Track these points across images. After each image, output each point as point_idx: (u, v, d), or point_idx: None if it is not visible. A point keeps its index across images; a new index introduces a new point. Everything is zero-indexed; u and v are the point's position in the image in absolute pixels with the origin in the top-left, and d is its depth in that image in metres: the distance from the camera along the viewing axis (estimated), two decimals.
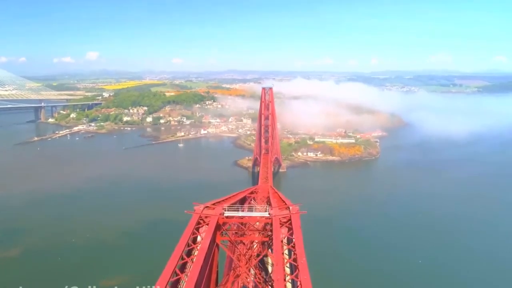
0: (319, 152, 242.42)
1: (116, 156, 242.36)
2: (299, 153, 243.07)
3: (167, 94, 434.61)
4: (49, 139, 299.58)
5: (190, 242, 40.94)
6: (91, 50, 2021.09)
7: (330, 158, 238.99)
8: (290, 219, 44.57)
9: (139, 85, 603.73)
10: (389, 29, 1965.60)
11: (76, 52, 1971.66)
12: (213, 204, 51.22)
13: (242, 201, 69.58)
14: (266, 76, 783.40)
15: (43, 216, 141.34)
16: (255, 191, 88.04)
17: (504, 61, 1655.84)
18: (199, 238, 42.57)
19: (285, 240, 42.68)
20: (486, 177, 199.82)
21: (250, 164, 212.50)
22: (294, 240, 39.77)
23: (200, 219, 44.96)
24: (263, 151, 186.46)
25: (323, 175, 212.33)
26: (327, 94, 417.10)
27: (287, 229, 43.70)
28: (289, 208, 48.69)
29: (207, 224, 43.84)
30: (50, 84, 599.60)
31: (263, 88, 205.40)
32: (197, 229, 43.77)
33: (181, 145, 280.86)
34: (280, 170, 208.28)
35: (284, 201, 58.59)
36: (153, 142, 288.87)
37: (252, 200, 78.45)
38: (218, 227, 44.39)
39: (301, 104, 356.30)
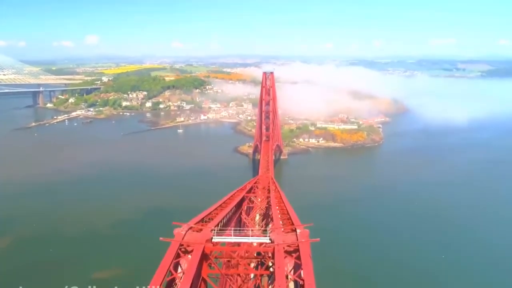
0: (321, 139, 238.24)
1: (114, 142, 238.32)
2: (301, 139, 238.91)
3: (167, 78, 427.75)
4: (47, 124, 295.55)
5: (166, 281, 31.31)
6: (91, 34, 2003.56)
7: (332, 144, 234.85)
8: (297, 248, 34.08)
9: (139, 70, 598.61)
10: (391, 14, 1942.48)
11: (76, 36, 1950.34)
12: (201, 221, 42.46)
13: (240, 203, 64.29)
14: (267, 61, 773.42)
15: (37, 204, 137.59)
16: (255, 186, 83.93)
17: (507, 45, 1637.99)
18: (179, 272, 33.02)
19: (290, 276, 33.06)
20: (492, 164, 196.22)
21: (250, 150, 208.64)
22: (303, 283, 30.18)
23: (181, 247, 34.76)
24: (263, 138, 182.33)
25: (326, 163, 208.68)
26: (327, 79, 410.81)
27: (293, 262, 33.68)
28: (295, 230, 37.76)
29: (191, 254, 34.13)
30: (49, 68, 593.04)
31: (264, 73, 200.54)
32: (177, 263, 33.52)
33: (180, 130, 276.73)
34: (282, 157, 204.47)
35: (288, 213, 50.14)
36: (152, 128, 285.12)
37: (252, 197, 74.23)
38: (204, 256, 34.73)
39: (299, 89, 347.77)
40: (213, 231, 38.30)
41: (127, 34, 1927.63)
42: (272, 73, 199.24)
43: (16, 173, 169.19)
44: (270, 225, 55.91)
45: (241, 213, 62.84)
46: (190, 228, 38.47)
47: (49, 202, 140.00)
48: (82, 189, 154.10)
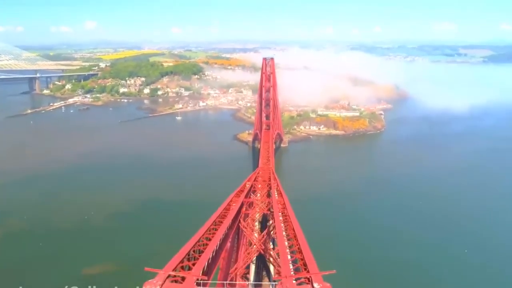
0: (322, 126, 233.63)
1: (111, 130, 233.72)
2: (301, 127, 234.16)
3: (165, 64, 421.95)
4: (43, 111, 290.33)
5: None
6: (89, 19, 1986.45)
7: (334, 132, 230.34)
8: None
9: (137, 55, 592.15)
10: None
11: (74, 21, 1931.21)
12: (187, 256, 34.25)
13: (239, 211, 59.14)
14: (267, 46, 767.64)
15: (29, 195, 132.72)
16: (255, 184, 79.46)
17: (509, 30, 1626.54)
18: None
19: None
20: (497, 153, 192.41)
21: (250, 138, 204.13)
22: None
23: None
24: (264, 127, 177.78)
25: (327, 151, 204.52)
26: (326, 64, 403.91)
27: None
28: (311, 283, 28.47)
29: None
30: (47, 54, 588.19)
31: (264, 59, 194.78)
32: None
33: (179, 118, 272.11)
34: (282, 145, 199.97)
35: (297, 238, 42.03)
36: (150, 115, 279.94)
37: (252, 195, 69.91)
38: None
39: (297, 76, 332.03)
40: (199, 280, 29.79)
41: (126, 19, 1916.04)
42: (272, 59, 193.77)
43: (9, 163, 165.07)
44: (272, 233, 51.14)
45: (239, 221, 58.16)
46: (168, 277, 29.34)
47: (42, 193, 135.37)
48: (77, 179, 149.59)
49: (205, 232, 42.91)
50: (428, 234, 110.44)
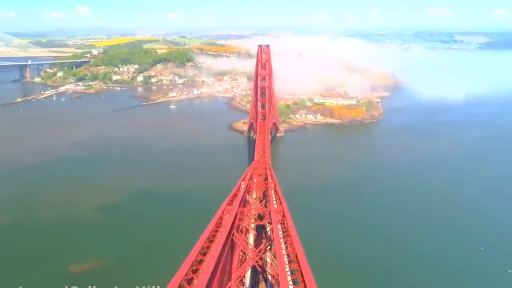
0: (319, 114, 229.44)
1: (103, 119, 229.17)
2: (298, 116, 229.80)
3: (159, 51, 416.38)
4: (34, 100, 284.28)
5: None
6: (82, 5, 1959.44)
7: (331, 120, 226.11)
8: None
9: (131, 42, 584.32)
10: None
11: (67, 6, 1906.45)
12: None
13: (232, 224, 54.31)
14: (262, 33, 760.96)
15: (15, 187, 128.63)
16: (250, 183, 75.19)
17: (504, 15, 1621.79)
18: None
19: None
20: (494, 141, 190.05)
21: (245, 127, 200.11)
22: None
23: None
24: (259, 116, 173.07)
25: (324, 140, 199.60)
26: (322, 52, 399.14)
27: None
28: None
29: None
30: (39, 40, 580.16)
31: (260, 46, 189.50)
32: None
33: (173, 106, 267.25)
34: (278, 135, 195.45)
35: (297, 257, 39.31)
36: (143, 104, 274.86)
37: (247, 196, 65.77)
38: None
39: (291, 63, 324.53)
40: None
41: (119, 5, 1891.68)
42: (268, 46, 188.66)
43: None
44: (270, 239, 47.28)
45: (233, 234, 53.46)
46: None
47: (30, 185, 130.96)
48: (67, 171, 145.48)
49: (193, 261, 39.24)
50: (429, 230, 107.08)
